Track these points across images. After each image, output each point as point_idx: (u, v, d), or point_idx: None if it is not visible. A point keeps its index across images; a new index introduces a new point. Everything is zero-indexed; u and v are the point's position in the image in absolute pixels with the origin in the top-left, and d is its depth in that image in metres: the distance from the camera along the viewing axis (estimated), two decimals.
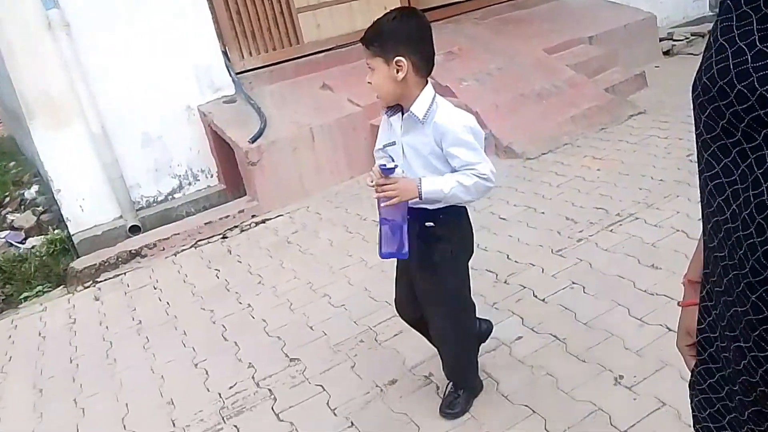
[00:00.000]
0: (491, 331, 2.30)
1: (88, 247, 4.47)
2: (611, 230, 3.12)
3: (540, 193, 3.78)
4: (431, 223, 1.89)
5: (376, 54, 1.76)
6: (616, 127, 4.64)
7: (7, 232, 4.96)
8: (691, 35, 6.40)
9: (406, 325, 2.20)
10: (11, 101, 5.29)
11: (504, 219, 3.55)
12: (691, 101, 0.76)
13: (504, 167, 4.30)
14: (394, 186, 1.76)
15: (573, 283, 2.74)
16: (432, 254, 1.90)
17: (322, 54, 5.42)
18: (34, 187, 5.63)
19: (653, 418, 1.89)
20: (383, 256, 1.84)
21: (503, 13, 6.19)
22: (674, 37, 6.41)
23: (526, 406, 2.07)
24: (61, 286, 4.13)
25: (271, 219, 4.39)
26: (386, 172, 1.77)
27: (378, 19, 1.78)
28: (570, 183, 3.81)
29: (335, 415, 2.23)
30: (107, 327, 3.35)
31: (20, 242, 4.86)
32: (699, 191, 0.80)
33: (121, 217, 4.66)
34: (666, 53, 6.21)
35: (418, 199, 1.78)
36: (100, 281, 3.98)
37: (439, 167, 1.82)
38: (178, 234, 4.26)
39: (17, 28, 4.20)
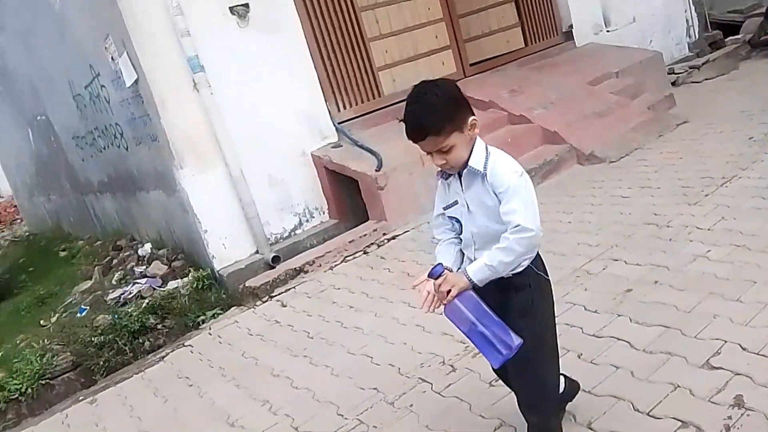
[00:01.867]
0: (578, 390, 2.22)
1: (236, 279, 4.93)
2: (728, 184, 3.91)
3: (645, 177, 4.57)
4: (509, 275, 1.81)
5: (450, 131, 1.72)
6: (669, 134, 5.56)
7: (145, 279, 5.36)
8: (689, 68, 7.58)
9: None
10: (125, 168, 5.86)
11: (626, 197, 4.30)
12: None
13: (592, 170, 5.12)
14: (444, 281, 1.75)
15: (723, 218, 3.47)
16: (511, 305, 1.84)
17: (401, 103, 6.22)
18: (147, 245, 6.06)
19: None
20: (497, 364, 1.79)
21: (534, 62, 7.22)
22: (676, 71, 7.57)
23: None
24: (234, 307, 4.56)
25: (399, 235, 4.98)
26: (436, 274, 1.77)
27: (420, 105, 1.75)
28: (667, 167, 4.63)
29: None
30: (319, 315, 3.84)
31: (160, 286, 5.27)
32: None
33: (257, 252, 5.16)
34: (673, 83, 7.33)
35: (477, 284, 1.76)
36: (275, 295, 4.45)
37: (496, 210, 1.79)
38: (330, 252, 4.82)
39: (169, 87, 4.84)
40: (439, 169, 1.87)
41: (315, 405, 2.83)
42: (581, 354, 2.59)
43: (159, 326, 4.67)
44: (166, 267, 5.53)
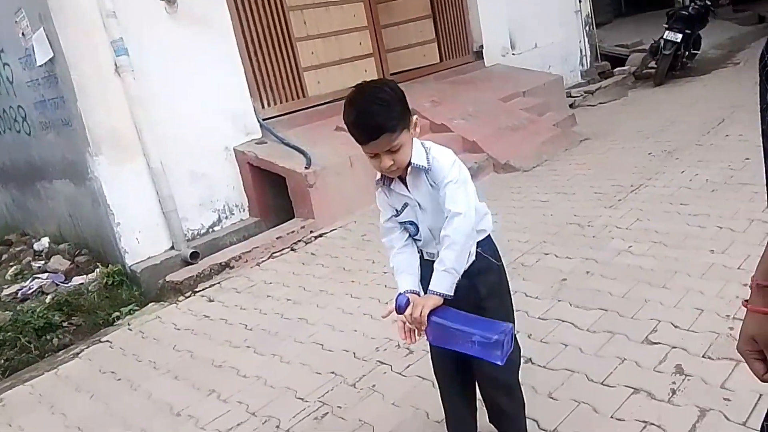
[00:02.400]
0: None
1: (150, 275, 4.68)
2: (636, 192, 4.32)
3: (560, 185, 4.92)
4: (477, 248, 1.84)
5: (402, 129, 1.69)
6: (575, 148, 6.03)
7: (46, 275, 4.93)
8: (585, 92, 8.27)
9: None
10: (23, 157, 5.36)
11: (545, 201, 4.61)
12: (758, 72, 0.81)
13: (508, 178, 5.44)
14: (413, 307, 1.71)
15: (638, 219, 3.83)
16: (478, 289, 1.84)
17: (325, 105, 6.27)
18: (44, 239, 5.57)
19: None
20: (502, 360, 1.65)
21: (449, 77, 7.55)
22: (573, 95, 8.23)
23: None
24: (152, 303, 4.32)
25: (327, 233, 4.98)
26: (402, 305, 1.73)
27: (374, 102, 1.67)
28: (579, 177, 5.01)
29: None
30: (255, 308, 3.73)
31: (63, 282, 4.88)
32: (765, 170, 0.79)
33: (172, 247, 4.93)
34: (571, 105, 7.96)
35: (447, 295, 1.72)
36: (199, 290, 4.27)
37: None
38: (258, 247, 4.70)
39: (90, 70, 4.54)
40: (378, 177, 1.83)
41: (269, 391, 2.76)
42: (531, 334, 2.74)
43: (65, 324, 4.33)
44: (69, 262, 5.13)
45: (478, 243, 1.85)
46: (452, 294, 1.73)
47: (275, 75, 5.96)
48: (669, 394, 2.19)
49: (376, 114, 1.66)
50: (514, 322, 1.87)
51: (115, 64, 4.62)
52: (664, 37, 8.08)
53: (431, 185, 1.76)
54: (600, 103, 7.94)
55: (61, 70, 4.48)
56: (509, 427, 2.03)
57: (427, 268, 1.83)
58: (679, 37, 7.98)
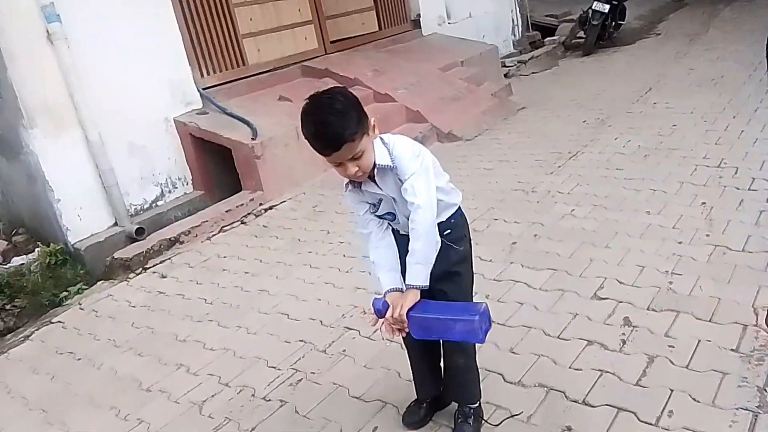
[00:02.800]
0: None
1: (95, 253, 4.54)
2: (575, 158, 4.56)
3: (502, 153, 5.11)
4: (449, 230, 1.93)
5: (361, 135, 1.71)
6: (512, 117, 6.24)
7: None
8: (518, 62, 8.51)
9: None
10: None
11: (489, 168, 4.78)
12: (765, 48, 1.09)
13: (452, 147, 5.58)
14: (392, 309, 1.80)
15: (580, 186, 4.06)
16: (450, 256, 1.94)
17: (266, 74, 6.17)
18: None
19: None
20: (482, 340, 1.78)
21: (388, 46, 7.57)
22: (506, 64, 8.45)
23: None
24: (101, 281, 4.21)
25: (276, 205, 4.97)
26: (381, 309, 1.82)
27: (332, 113, 1.69)
28: (519, 145, 5.22)
29: None
30: (211, 282, 3.72)
31: (1, 264, 4.65)
32: None
33: (116, 224, 4.79)
34: (505, 75, 8.18)
35: (423, 286, 1.81)
36: (150, 267, 4.20)
37: None
38: (207, 221, 4.64)
39: (20, 38, 4.28)
40: (347, 181, 1.87)
41: (239, 362, 2.80)
42: (488, 294, 2.91)
43: (8, 306, 4.16)
44: (6, 243, 4.88)
45: (450, 216, 1.97)
46: (428, 284, 1.82)
47: (214, 42, 5.80)
48: (620, 345, 2.40)
49: (334, 125, 1.68)
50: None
51: (47, 31, 4.38)
52: (593, 7, 8.40)
53: (400, 180, 1.81)
54: (533, 72, 8.19)
55: None
56: (464, 386, 2.10)
57: (401, 242, 1.94)
58: (606, 7, 8.32)
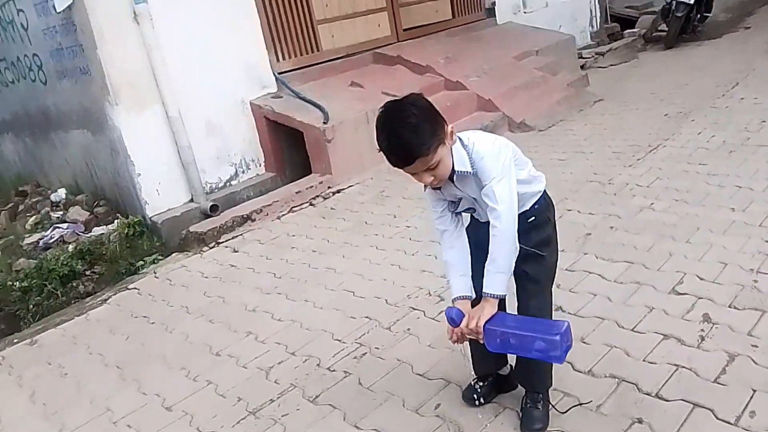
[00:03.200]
0: None
1: (171, 227, 4.73)
2: (654, 152, 4.38)
3: (577, 144, 4.96)
4: (533, 218, 1.93)
5: (435, 147, 1.67)
6: (589, 109, 6.05)
7: (66, 225, 4.96)
8: (595, 54, 8.24)
9: None
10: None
11: (563, 160, 4.66)
12: None
13: (524, 137, 5.47)
14: (469, 320, 1.79)
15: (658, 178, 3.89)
16: (533, 237, 1.92)
17: (339, 60, 6.23)
18: (61, 190, 5.59)
19: None
20: (562, 360, 1.73)
21: (461, 34, 7.48)
22: (583, 56, 8.20)
23: None
24: (176, 253, 4.38)
25: (345, 188, 5.02)
26: (456, 318, 1.80)
27: (404, 128, 1.64)
28: (595, 136, 5.06)
29: None
30: (281, 258, 3.81)
31: (83, 232, 4.92)
32: None
33: (191, 200, 4.97)
34: (582, 67, 7.94)
35: (502, 296, 1.80)
36: (222, 241, 4.33)
37: None
38: (277, 201, 4.75)
39: (109, 17, 4.49)
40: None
41: (306, 333, 2.85)
42: (560, 284, 2.80)
43: (88, 272, 4.40)
44: (88, 213, 5.17)
45: (534, 202, 1.95)
46: (506, 293, 1.81)
47: (289, 28, 5.89)
48: (698, 341, 2.29)
49: (407, 141, 1.64)
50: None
51: (134, 12, 4.58)
52: None
53: (481, 185, 1.78)
54: (611, 65, 7.92)
55: (81, 17, 4.43)
56: (536, 372, 2.01)
57: (480, 228, 1.91)
58: None
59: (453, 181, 1.81)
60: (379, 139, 1.70)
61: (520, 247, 1.81)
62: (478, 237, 1.92)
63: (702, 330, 2.35)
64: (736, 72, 6.28)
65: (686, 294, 2.60)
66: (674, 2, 8.08)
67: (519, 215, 1.81)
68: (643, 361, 2.24)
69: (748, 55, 7.02)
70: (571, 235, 3.34)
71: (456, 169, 1.76)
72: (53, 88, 5.21)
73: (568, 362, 2.28)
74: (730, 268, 2.73)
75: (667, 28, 8.41)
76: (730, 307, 2.46)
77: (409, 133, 1.64)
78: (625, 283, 2.78)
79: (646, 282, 2.75)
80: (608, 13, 9.70)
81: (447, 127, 1.73)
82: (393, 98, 1.76)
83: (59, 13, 4.54)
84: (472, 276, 1.93)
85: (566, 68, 7.14)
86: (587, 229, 3.38)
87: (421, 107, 1.69)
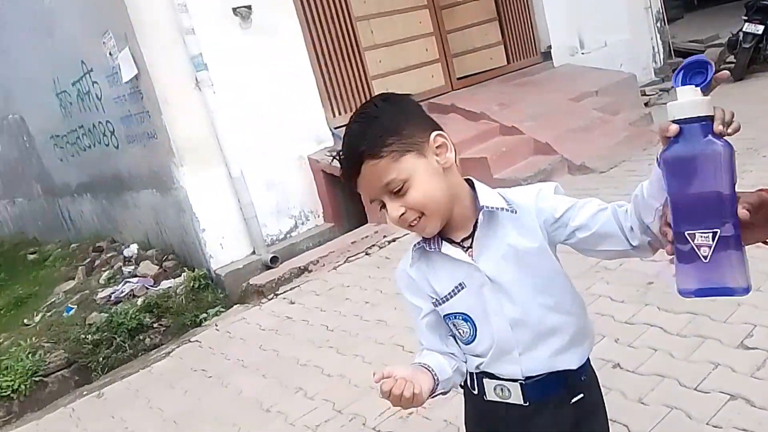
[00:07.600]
0: None
1: (233, 279, 4.88)
2: None
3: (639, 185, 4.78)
4: (581, 395, 1.28)
5: (399, 152, 1.12)
6: (653, 148, 5.83)
7: (136, 279, 5.22)
8: (659, 90, 8.01)
9: None
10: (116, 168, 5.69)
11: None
12: None
13: (584, 179, 5.34)
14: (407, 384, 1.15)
15: None
16: (583, 407, 1.29)
17: None
18: (133, 246, 5.90)
19: None
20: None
21: (516, 80, 7.48)
22: (647, 93, 7.98)
23: None
24: (236, 305, 4.51)
25: (399, 237, 5.03)
26: None
27: (358, 122, 1.18)
28: None
29: None
30: (334, 310, 3.84)
31: (152, 286, 5.15)
32: None
33: (253, 252, 5.12)
34: (645, 104, 7.72)
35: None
36: (281, 293, 4.42)
37: (548, 263, 1.22)
38: (333, 252, 4.83)
39: (172, 85, 4.80)
40: (417, 241, 1.27)
41: (354, 390, 2.83)
42: (618, 339, 2.70)
43: (155, 325, 4.58)
44: (157, 267, 5.41)
45: (580, 367, 1.28)
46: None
47: (344, 84, 6.08)
48: None
49: (354, 133, 1.16)
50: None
51: (196, 79, 4.86)
52: (744, 29, 7.71)
53: (538, 227, 1.18)
54: None
55: (146, 85, 4.75)
56: None
57: (502, 419, 1.30)
58: (760, 29, 7.60)
59: (473, 233, 1.18)
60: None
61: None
62: None
63: None
64: None
65: (756, 348, 2.41)
66: (741, 33, 7.79)
67: (562, 377, 1.24)
68: (707, 424, 2.08)
69: None
70: (631, 284, 3.19)
71: (483, 204, 1.15)
72: (124, 151, 5.57)
73: (624, 424, 2.15)
74: None
75: (735, 60, 8.09)
76: None
77: (359, 126, 1.16)
78: (689, 336, 2.61)
79: (712, 335, 2.57)
80: (672, 48, 9.46)
81: (432, 134, 1.16)
82: None
83: (126, 82, 4.89)
84: None
85: (628, 107, 6.97)
86: (648, 278, 3.22)
87: (394, 102, 1.19)
